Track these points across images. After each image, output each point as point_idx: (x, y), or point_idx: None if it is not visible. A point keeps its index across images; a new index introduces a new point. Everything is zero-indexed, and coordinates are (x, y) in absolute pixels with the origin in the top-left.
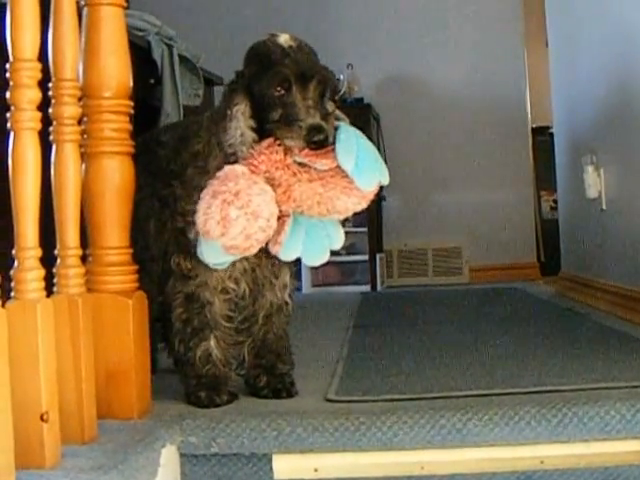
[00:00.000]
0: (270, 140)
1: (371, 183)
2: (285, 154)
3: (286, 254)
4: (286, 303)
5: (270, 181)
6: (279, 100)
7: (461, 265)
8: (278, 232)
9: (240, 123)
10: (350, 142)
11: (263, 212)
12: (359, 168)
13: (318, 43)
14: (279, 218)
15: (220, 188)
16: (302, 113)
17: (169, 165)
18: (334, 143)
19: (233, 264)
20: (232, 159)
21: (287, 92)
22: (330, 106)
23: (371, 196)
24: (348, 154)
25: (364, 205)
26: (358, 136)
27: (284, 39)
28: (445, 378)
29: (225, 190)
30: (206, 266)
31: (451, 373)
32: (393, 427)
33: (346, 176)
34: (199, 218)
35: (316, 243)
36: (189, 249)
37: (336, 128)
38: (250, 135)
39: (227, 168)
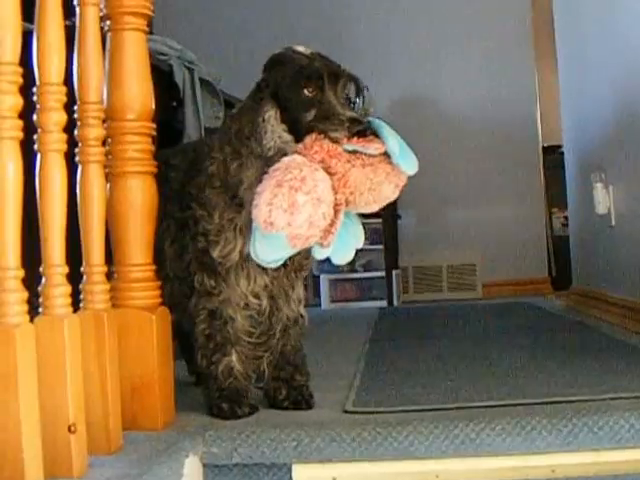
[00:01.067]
0: (313, 135)
1: (414, 166)
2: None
3: (337, 248)
4: (301, 316)
5: (326, 170)
6: (312, 100)
7: (475, 281)
8: (332, 222)
9: (275, 127)
10: (391, 130)
11: (327, 197)
12: (403, 152)
13: None
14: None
15: (285, 177)
16: (339, 108)
17: (184, 188)
18: (377, 131)
19: (254, 279)
20: (271, 163)
21: (320, 92)
22: (358, 105)
23: (403, 184)
24: (394, 138)
25: (397, 193)
26: (388, 126)
27: (303, 48)
28: (459, 389)
29: (291, 177)
30: (229, 283)
31: (465, 385)
32: (409, 437)
33: (390, 162)
34: (261, 211)
35: (345, 242)
36: (213, 267)
37: (368, 122)
38: (287, 136)
39: (286, 159)
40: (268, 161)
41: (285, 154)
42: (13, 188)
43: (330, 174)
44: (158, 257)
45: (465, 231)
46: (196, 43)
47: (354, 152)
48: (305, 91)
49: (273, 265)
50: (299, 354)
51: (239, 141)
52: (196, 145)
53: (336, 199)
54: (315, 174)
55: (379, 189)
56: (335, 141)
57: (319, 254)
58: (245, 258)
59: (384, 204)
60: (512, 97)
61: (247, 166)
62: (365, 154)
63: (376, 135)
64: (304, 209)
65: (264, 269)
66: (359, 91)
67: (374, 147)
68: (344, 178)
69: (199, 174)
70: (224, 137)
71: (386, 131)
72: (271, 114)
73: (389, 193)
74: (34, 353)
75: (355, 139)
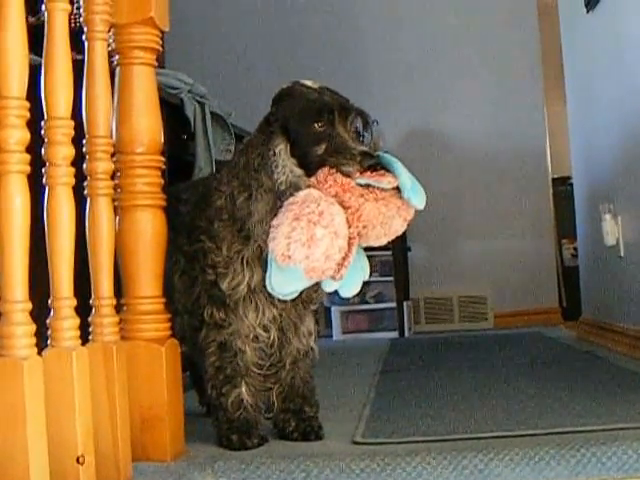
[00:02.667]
0: (325, 169)
1: (423, 201)
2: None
3: (346, 283)
4: (312, 349)
5: (339, 204)
6: (322, 134)
7: (486, 311)
8: (345, 256)
9: (286, 162)
10: (399, 164)
11: (343, 231)
12: (414, 187)
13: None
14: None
15: (303, 210)
16: (350, 142)
17: (194, 221)
18: (388, 166)
19: (262, 312)
20: (284, 197)
21: (330, 126)
22: (367, 139)
23: (411, 218)
24: (406, 173)
25: (405, 227)
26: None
27: (311, 82)
28: (468, 420)
29: (309, 211)
30: (238, 315)
31: (474, 415)
32: (417, 468)
33: (400, 197)
34: (279, 244)
35: (352, 275)
36: (222, 300)
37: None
38: (298, 170)
39: (302, 193)
40: (280, 195)
41: (298, 188)
42: (20, 221)
43: (344, 208)
44: (168, 291)
45: (476, 262)
46: (207, 77)
47: (367, 186)
48: (316, 125)
49: (289, 297)
50: (308, 386)
51: (247, 174)
52: (206, 180)
53: (350, 233)
54: (332, 208)
55: (390, 223)
56: (347, 175)
57: (328, 287)
58: (253, 290)
59: (392, 238)
60: (522, 129)
61: (257, 199)
62: (378, 188)
63: (387, 169)
64: (322, 243)
65: (272, 302)
66: (367, 125)
67: (387, 181)
68: (358, 212)
69: (208, 208)
70: (232, 170)
71: (397, 165)
72: (281, 148)
73: (398, 227)
74: (42, 385)
75: (367, 173)
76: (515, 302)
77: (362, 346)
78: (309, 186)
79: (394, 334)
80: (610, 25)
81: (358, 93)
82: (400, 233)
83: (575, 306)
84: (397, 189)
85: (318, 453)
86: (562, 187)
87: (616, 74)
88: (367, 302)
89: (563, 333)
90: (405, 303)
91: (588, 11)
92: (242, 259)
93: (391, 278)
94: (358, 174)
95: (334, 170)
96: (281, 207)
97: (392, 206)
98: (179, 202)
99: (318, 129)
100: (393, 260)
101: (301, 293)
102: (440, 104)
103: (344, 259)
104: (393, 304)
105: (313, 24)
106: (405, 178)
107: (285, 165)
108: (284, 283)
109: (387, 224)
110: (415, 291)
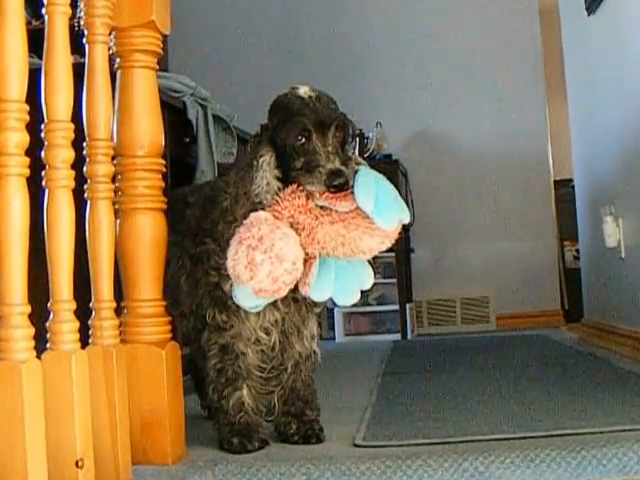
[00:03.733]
0: (293, 187)
1: (391, 222)
2: (307, 199)
3: (316, 294)
4: (314, 352)
5: (294, 225)
6: (301, 149)
7: (488, 313)
8: (306, 274)
9: (266, 173)
10: (369, 184)
11: (287, 255)
12: (378, 208)
13: (348, 103)
14: (306, 261)
15: (245, 234)
16: (322, 159)
17: (200, 224)
18: (353, 186)
19: (264, 315)
20: (259, 207)
21: (308, 140)
22: (350, 151)
23: (394, 235)
24: (367, 196)
25: (388, 244)
26: (378, 178)
27: (304, 90)
28: (469, 423)
29: (249, 236)
30: (240, 318)
31: (475, 418)
32: (418, 471)
33: (367, 217)
34: (229, 264)
35: (346, 284)
36: (224, 302)
37: (356, 172)
38: (275, 184)
39: (252, 215)
40: (253, 205)
41: (266, 202)
42: (19, 224)
43: (298, 230)
44: (174, 293)
45: (478, 264)
46: (210, 80)
47: (324, 208)
48: (294, 140)
49: (254, 310)
50: (310, 389)
51: (236, 184)
52: (213, 182)
53: (307, 253)
54: (275, 232)
55: (354, 243)
56: (311, 193)
57: (315, 297)
58: None
59: (374, 253)
60: (524, 132)
61: (239, 205)
62: (335, 210)
63: (356, 188)
64: (262, 267)
65: (275, 304)
66: (351, 137)
67: (342, 204)
68: (312, 234)
69: (214, 210)
70: (238, 173)
71: (363, 186)
72: (265, 159)
73: (372, 245)
74: (40, 388)
75: (327, 194)
76: (517, 304)
77: (364, 348)
78: (274, 203)
79: (396, 336)
80: (611, 28)
81: (361, 96)
82: (381, 249)
83: (577, 308)
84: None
85: (319, 456)
86: (564, 189)
87: (617, 77)
88: (370, 304)
89: (565, 335)
90: (408, 305)
91: (589, 14)
92: None
93: (394, 280)
94: (318, 195)
95: (301, 188)
96: None
97: (354, 227)
98: (186, 205)
99: (297, 144)
100: (396, 262)
101: (305, 296)
102: (443, 107)
103: (305, 276)
104: (396, 306)
105: (317, 27)
106: (365, 201)
107: (263, 177)
108: (245, 298)
109: (351, 244)
110: (418, 293)
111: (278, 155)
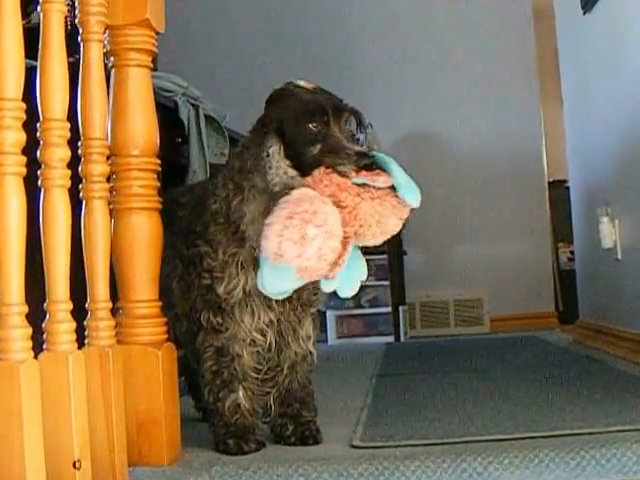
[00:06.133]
0: (321, 169)
1: (418, 200)
2: (344, 177)
3: (342, 280)
4: (310, 353)
5: (336, 204)
6: (318, 134)
7: (482, 315)
8: (340, 255)
9: (280, 163)
10: (391, 163)
11: (336, 231)
12: (409, 185)
13: None
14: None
15: (296, 209)
16: (345, 141)
17: (190, 226)
18: (378, 167)
19: (259, 316)
20: (277, 197)
21: (325, 126)
22: (362, 136)
23: (406, 216)
24: (401, 171)
25: (399, 227)
26: (392, 160)
27: (304, 82)
28: (466, 424)
29: (302, 210)
30: (235, 320)
31: (472, 419)
32: (416, 472)
33: (395, 195)
34: (270, 242)
35: (350, 275)
36: (219, 304)
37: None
38: (292, 172)
39: (297, 192)
40: (273, 196)
41: (292, 189)
42: (16, 224)
43: (340, 207)
44: (167, 296)
45: (472, 266)
46: (201, 80)
47: (363, 185)
48: (310, 125)
49: (280, 297)
50: (307, 390)
51: (241, 176)
52: (204, 183)
53: (345, 232)
54: (325, 207)
55: (385, 221)
56: (344, 175)
57: (326, 287)
58: (248, 294)
59: (388, 237)
60: (517, 133)
61: (249, 200)
62: (373, 187)
63: (382, 169)
64: (314, 242)
65: (269, 305)
66: (362, 126)
67: (382, 180)
68: (354, 211)
69: (205, 212)
70: (227, 174)
71: (392, 165)
72: (275, 149)
73: (393, 226)
74: (38, 389)
75: (363, 172)
76: (511, 306)
77: (357, 351)
78: (304, 186)
79: (389, 339)
80: (607, 26)
81: (352, 96)
82: (395, 232)
83: (571, 310)
84: (392, 188)
85: (316, 457)
86: (558, 190)
87: (613, 76)
88: (362, 306)
89: (559, 337)
90: (401, 307)
91: (585, 12)
92: (237, 262)
93: (387, 282)
94: (354, 174)
95: (330, 170)
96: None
97: (387, 205)
98: (178, 206)
99: (313, 129)
100: (389, 264)
101: (299, 296)
102: (436, 108)
103: (339, 258)
104: (388, 308)
105: (307, 26)
106: (400, 177)
107: (279, 166)
108: (276, 282)
109: (382, 223)
110: (411, 295)
111: (286, 145)
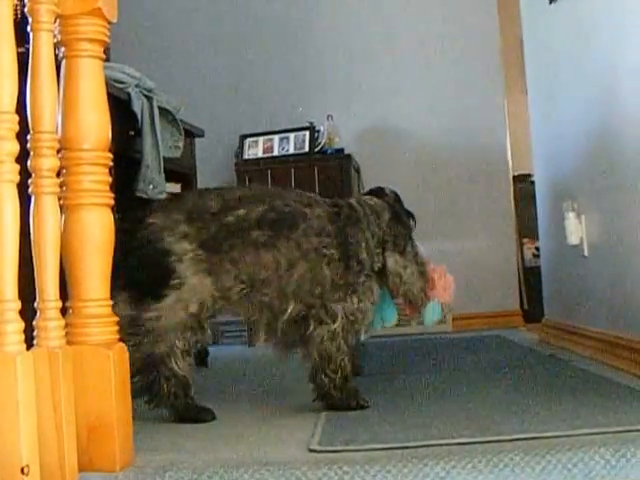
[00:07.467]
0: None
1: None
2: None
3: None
4: None
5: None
6: None
7: (444, 314)
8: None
9: None
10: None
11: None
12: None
13: (299, 95)
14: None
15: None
16: None
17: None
18: None
19: None
20: None
21: None
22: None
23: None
24: None
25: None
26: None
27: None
28: (428, 427)
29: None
30: None
31: (434, 421)
32: (377, 476)
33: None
34: (445, 292)
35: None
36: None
37: None
38: None
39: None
40: None
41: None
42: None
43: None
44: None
45: (434, 262)
46: (155, 71)
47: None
48: None
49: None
50: None
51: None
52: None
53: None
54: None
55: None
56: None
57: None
58: None
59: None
60: (482, 126)
61: None
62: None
63: None
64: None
65: None
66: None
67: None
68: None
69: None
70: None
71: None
72: None
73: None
74: None
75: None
76: (474, 304)
77: None
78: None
79: None
80: (574, 17)
81: (311, 88)
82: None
83: (536, 308)
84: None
85: (273, 462)
86: (523, 184)
87: (579, 66)
88: None
89: (524, 336)
90: None
91: (551, 2)
92: None
93: None
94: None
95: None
96: None
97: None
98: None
99: None
100: None
101: None
102: (398, 101)
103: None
104: None
105: (264, 19)
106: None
107: None
108: (437, 313)
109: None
110: None
111: None
